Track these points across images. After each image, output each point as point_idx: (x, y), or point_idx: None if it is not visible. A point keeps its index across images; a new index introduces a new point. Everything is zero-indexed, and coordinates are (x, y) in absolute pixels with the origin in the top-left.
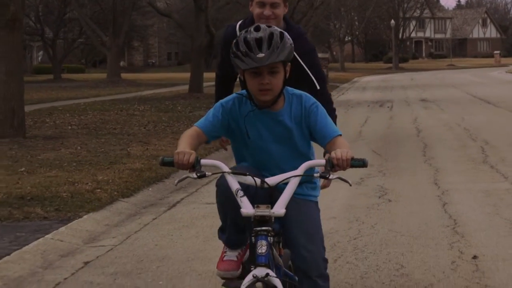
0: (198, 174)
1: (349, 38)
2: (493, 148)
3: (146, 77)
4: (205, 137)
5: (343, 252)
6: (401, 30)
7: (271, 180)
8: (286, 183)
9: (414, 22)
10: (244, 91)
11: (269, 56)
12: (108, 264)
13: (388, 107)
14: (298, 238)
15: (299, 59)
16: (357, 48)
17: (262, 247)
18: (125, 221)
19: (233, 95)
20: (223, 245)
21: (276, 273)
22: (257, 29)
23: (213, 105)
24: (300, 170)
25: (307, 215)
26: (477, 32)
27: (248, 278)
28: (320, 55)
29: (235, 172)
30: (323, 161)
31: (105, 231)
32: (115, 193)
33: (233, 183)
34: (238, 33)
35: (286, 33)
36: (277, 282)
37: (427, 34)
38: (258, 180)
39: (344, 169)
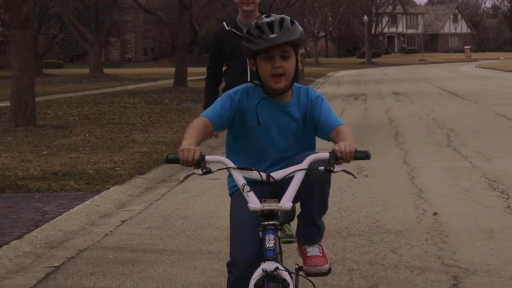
0: (204, 171)
1: (323, 34)
2: (457, 135)
3: (126, 72)
4: (213, 126)
5: (329, 212)
6: (373, 26)
7: (277, 175)
8: (290, 177)
9: (386, 18)
10: (254, 82)
11: (281, 35)
12: (141, 221)
13: (363, 100)
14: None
15: None
16: (331, 44)
17: (270, 241)
18: (144, 192)
19: (240, 86)
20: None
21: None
22: (268, 16)
23: (198, 99)
24: (305, 163)
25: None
26: (448, 28)
27: (258, 273)
28: None
29: (240, 167)
30: (326, 154)
31: (130, 200)
32: (132, 170)
33: (239, 178)
34: (226, 27)
35: (297, 22)
36: (286, 275)
37: (399, 30)
38: (264, 175)
39: (348, 161)
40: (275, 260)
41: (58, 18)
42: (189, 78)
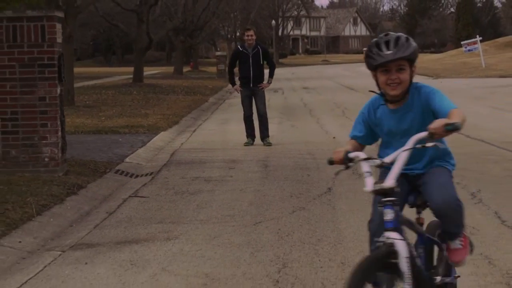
0: (347, 165)
1: (234, 37)
2: (348, 111)
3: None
4: (357, 143)
5: (280, 139)
6: (280, 29)
7: (388, 159)
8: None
9: (291, 22)
10: (378, 92)
11: (396, 52)
12: (197, 139)
13: (281, 93)
14: (432, 189)
15: (261, 52)
16: None
17: (388, 215)
18: (179, 135)
19: (369, 101)
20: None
21: (419, 239)
22: (386, 35)
23: (158, 91)
24: (408, 145)
25: (438, 173)
26: (349, 30)
27: (380, 239)
28: (218, 53)
29: (367, 158)
30: (425, 133)
31: (174, 137)
32: (165, 125)
33: (364, 167)
34: (240, 48)
35: (411, 38)
36: (400, 243)
37: (303, 32)
38: (379, 161)
39: (441, 135)
40: (393, 230)
41: None
42: (122, 77)
